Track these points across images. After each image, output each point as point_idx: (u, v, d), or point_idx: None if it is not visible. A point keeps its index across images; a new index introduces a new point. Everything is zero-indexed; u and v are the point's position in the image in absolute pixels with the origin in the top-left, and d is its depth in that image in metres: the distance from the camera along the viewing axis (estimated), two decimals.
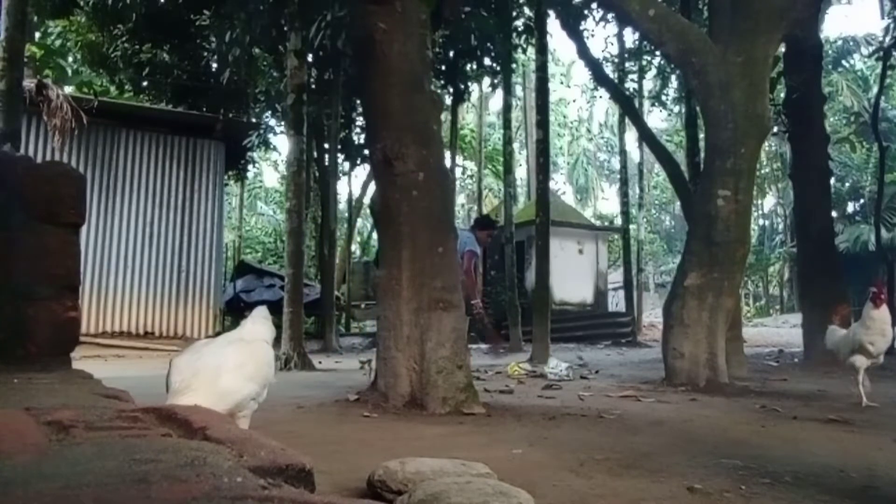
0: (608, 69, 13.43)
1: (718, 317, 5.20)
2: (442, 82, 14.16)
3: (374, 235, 15.49)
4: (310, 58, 11.19)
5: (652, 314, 21.62)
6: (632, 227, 19.37)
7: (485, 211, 20.34)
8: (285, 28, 9.12)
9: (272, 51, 12.67)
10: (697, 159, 8.89)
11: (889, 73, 14.83)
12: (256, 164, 26.36)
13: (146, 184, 10.92)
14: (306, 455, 1.13)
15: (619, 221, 21.10)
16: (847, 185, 28.59)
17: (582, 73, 44.23)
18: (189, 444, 1.16)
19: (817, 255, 8.71)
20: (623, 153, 18.04)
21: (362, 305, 18.28)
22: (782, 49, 8.39)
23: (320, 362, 7.81)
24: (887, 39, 12.30)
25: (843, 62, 28.54)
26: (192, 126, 11.56)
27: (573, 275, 17.99)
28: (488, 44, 13.54)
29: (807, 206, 8.92)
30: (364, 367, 5.67)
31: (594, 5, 11.19)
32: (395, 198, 3.94)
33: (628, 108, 11.03)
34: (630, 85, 16.04)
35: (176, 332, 10.65)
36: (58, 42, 15.16)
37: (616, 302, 23.65)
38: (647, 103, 18.63)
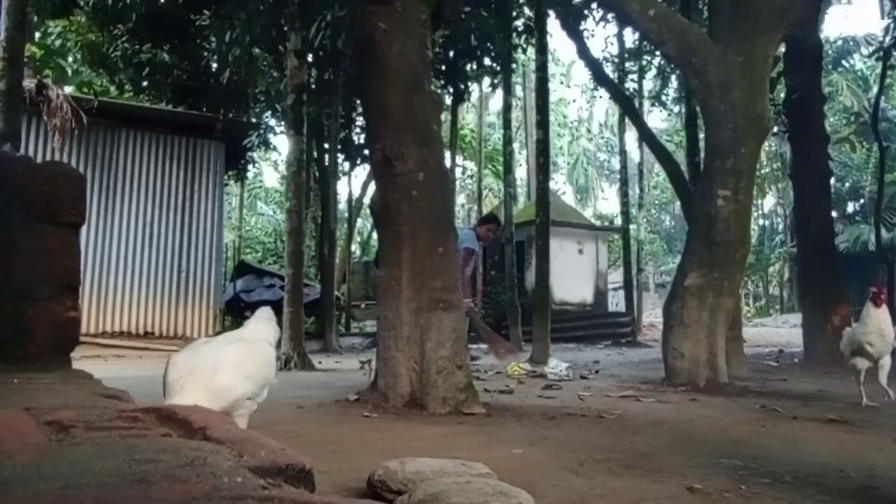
0: (608, 69, 13.43)
1: (718, 317, 5.20)
2: (442, 82, 14.16)
3: (374, 235, 15.50)
4: (310, 58, 11.19)
5: (652, 314, 21.62)
6: (632, 227, 19.37)
7: (485, 211, 20.35)
8: (285, 28, 9.11)
9: (272, 51, 12.67)
10: (697, 159, 8.88)
11: (889, 73, 14.84)
12: (256, 164, 26.37)
13: (146, 184, 10.92)
14: (306, 455, 1.13)
15: (619, 221, 21.10)
16: (847, 185, 28.59)
17: (582, 73, 44.24)
18: (189, 444, 1.16)
19: (817, 255, 8.71)
20: (623, 153, 18.04)
21: (362, 305, 18.28)
22: (782, 49, 8.38)
23: (320, 362, 7.81)
24: (887, 39, 12.31)
25: (843, 62, 28.54)
26: (192, 126, 11.56)
27: (573, 275, 17.99)
28: (488, 44, 13.54)
29: (807, 206, 8.92)
30: (364, 367, 5.67)
31: (594, 5, 11.19)
32: (395, 198, 3.94)
33: (628, 108, 11.03)
34: (630, 85, 16.05)
35: (176, 332, 10.65)
36: (58, 42, 15.16)
37: (616, 302, 23.65)
38: (647, 103, 18.63)
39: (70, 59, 16.14)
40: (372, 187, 6.57)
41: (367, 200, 15.71)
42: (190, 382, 1.83)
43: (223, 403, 1.85)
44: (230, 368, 1.92)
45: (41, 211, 2.63)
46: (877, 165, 15.95)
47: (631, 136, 17.58)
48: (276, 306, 8.11)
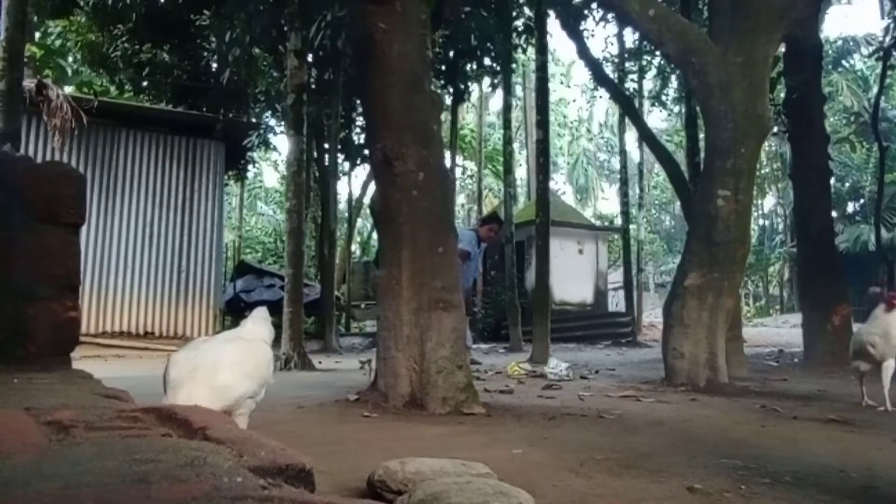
0: (608, 69, 13.43)
1: (718, 317, 5.20)
2: (442, 82, 14.16)
3: (374, 235, 15.49)
4: (310, 58, 11.19)
5: (652, 314, 21.63)
6: (632, 227, 19.37)
7: (485, 211, 20.36)
8: (285, 28, 9.11)
9: (272, 51, 12.67)
10: (697, 159, 8.88)
11: (889, 73, 14.84)
12: (256, 164, 26.38)
13: (146, 184, 10.92)
14: (306, 455, 1.13)
15: (619, 221, 21.10)
16: (847, 185, 28.61)
17: (582, 73, 44.26)
18: (189, 444, 1.16)
19: (817, 255, 8.70)
20: (623, 153, 18.04)
21: (362, 305, 18.29)
22: (782, 49, 8.38)
23: (320, 362, 7.81)
24: (887, 39, 12.31)
25: (843, 62, 28.56)
26: (192, 126, 11.55)
27: (573, 275, 17.99)
28: (488, 44, 13.53)
29: (807, 206, 8.92)
30: (364, 367, 5.67)
31: (594, 5, 11.19)
32: (395, 198, 3.93)
33: (628, 108, 11.03)
34: (630, 85, 16.04)
35: (176, 332, 10.65)
36: (58, 42, 15.15)
37: (616, 302, 23.65)
38: (647, 103, 18.63)
39: (70, 59, 16.14)
40: (372, 187, 6.57)
41: (367, 200, 15.71)
42: (191, 380, 1.83)
43: (224, 402, 1.85)
44: (230, 367, 1.93)
45: (41, 211, 2.63)
46: (877, 165, 15.95)
47: (631, 136, 17.59)
48: (276, 306, 8.17)
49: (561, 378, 6.01)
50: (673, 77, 13.50)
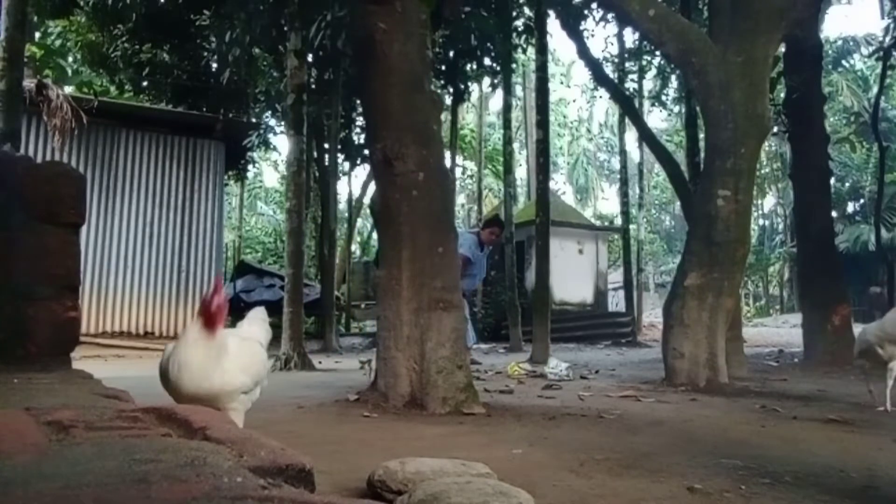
0: (608, 69, 13.43)
1: (718, 317, 5.20)
2: (442, 82, 14.16)
3: (374, 235, 15.50)
4: (310, 58, 11.19)
5: (652, 314, 21.63)
6: (632, 227, 19.37)
7: (485, 211, 20.35)
8: (285, 28, 9.11)
9: (272, 51, 12.67)
10: (697, 159, 8.88)
11: (889, 73, 14.83)
12: (256, 164, 26.39)
13: (146, 184, 10.92)
14: (306, 455, 1.13)
15: (619, 221, 21.10)
16: (847, 185, 28.63)
17: (582, 73, 44.31)
18: (189, 444, 1.16)
19: (817, 255, 8.70)
20: (623, 153, 18.04)
21: (362, 305, 18.29)
22: (782, 49, 8.38)
23: (320, 362, 7.82)
24: (887, 39, 12.31)
25: (843, 62, 28.57)
26: (192, 126, 11.55)
27: (573, 275, 18.00)
28: (488, 44, 13.53)
29: (807, 206, 8.92)
30: (364, 367, 5.67)
31: (594, 5, 11.19)
32: (395, 198, 3.93)
33: (628, 108, 11.03)
34: (630, 85, 16.05)
35: (176, 332, 10.64)
36: (58, 42, 15.16)
37: (616, 302, 23.66)
38: (647, 103, 18.63)
39: (70, 59, 16.14)
40: (372, 187, 6.57)
41: (367, 200, 15.72)
42: (189, 369, 1.85)
43: (220, 392, 1.87)
44: (229, 358, 1.94)
45: (41, 211, 2.63)
46: (877, 165, 15.95)
47: (631, 136, 17.59)
48: (276, 306, 8.16)
49: (561, 378, 6.01)
50: (673, 77, 13.49)
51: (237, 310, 14.30)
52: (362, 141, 14.96)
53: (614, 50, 15.22)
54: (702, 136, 8.26)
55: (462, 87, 15.15)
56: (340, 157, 14.89)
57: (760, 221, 33.55)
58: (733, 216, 5.20)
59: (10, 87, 5.63)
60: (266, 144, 17.30)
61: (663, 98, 14.83)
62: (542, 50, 9.69)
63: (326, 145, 13.82)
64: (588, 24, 11.79)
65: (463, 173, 28.23)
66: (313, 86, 12.74)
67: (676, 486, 2.04)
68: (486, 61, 14.46)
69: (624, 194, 17.93)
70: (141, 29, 12.86)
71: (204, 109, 13.52)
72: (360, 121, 14.80)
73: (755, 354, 9.91)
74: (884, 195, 14.62)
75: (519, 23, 12.63)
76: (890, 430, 3.27)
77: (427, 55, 4.30)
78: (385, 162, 3.93)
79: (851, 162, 28.14)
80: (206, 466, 0.99)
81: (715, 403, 4.27)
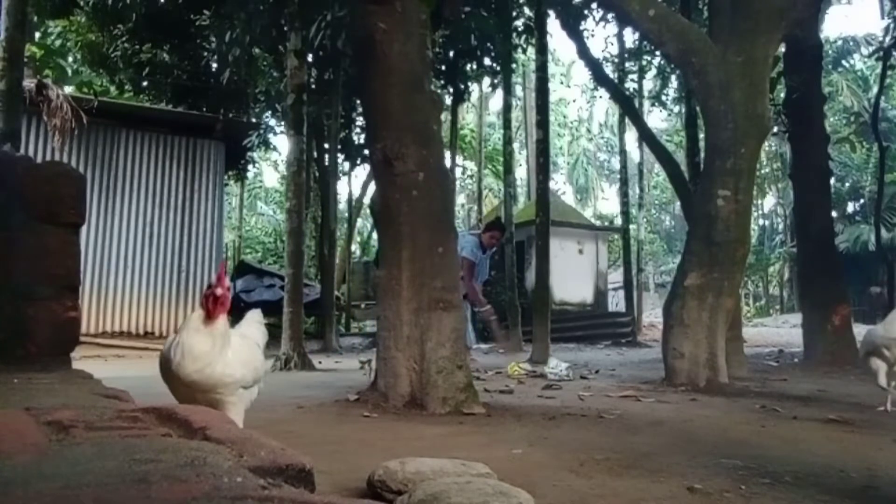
0: (608, 69, 13.43)
1: (718, 317, 5.19)
2: (442, 82, 14.16)
3: (374, 235, 15.49)
4: (310, 58, 11.19)
5: (652, 314, 21.62)
6: (632, 227, 19.37)
7: (485, 211, 20.36)
8: (285, 28, 9.11)
9: (272, 51, 12.67)
10: (697, 159, 8.88)
11: (889, 73, 14.83)
12: (256, 164, 26.39)
13: (146, 184, 10.92)
14: (306, 455, 1.13)
15: (619, 221, 21.10)
16: (847, 185, 28.64)
17: (582, 73, 44.26)
18: (189, 444, 1.16)
19: (817, 255, 8.70)
20: (623, 153, 18.04)
21: (362, 305, 18.28)
22: (782, 49, 8.38)
23: (320, 362, 7.81)
24: (887, 39, 12.30)
25: (843, 62, 28.58)
26: (192, 126, 11.55)
27: (573, 275, 18.00)
28: (488, 44, 13.53)
29: (807, 206, 8.91)
30: (364, 367, 5.66)
31: (594, 5, 11.18)
32: (395, 198, 3.93)
33: (628, 108, 11.03)
34: (630, 85, 16.04)
35: (176, 332, 10.64)
36: (58, 42, 15.16)
37: (616, 302, 23.66)
38: (647, 103, 18.63)
39: (70, 59, 16.14)
40: (372, 187, 6.57)
41: (367, 200, 15.71)
42: (192, 355, 1.86)
43: (220, 381, 1.88)
44: (231, 350, 1.96)
45: (41, 211, 2.63)
46: (877, 165, 15.95)
47: (631, 136, 17.58)
48: (276, 306, 8.15)
49: (561, 378, 6.00)
50: (673, 77, 13.49)
51: (237, 310, 14.29)
52: (362, 141, 14.96)
53: (614, 50, 15.24)
54: (702, 136, 8.25)
55: (462, 87, 15.14)
56: (340, 157, 14.89)
57: (760, 221, 33.56)
58: (733, 216, 5.20)
59: (10, 87, 5.63)
60: (266, 144, 17.29)
61: (663, 98, 14.83)
62: (542, 50, 9.69)
63: (326, 145, 13.82)
64: (588, 24, 11.80)
65: (463, 173, 28.23)
66: (313, 86, 12.74)
67: (676, 486, 2.04)
68: (486, 61, 14.46)
69: (624, 194, 17.92)
70: (141, 29, 12.86)
71: (204, 109, 13.52)
72: (360, 121, 14.79)
73: (755, 354, 9.90)
74: (884, 195, 14.62)
75: (519, 23, 12.63)
76: (890, 430, 3.27)
77: (427, 55, 4.30)
78: (385, 162, 3.93)
79: (851, 162, 28.15)
80: (206, 466, 0.99)
81: (715, 403, 4.27)
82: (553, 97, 28.91)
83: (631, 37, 14.41)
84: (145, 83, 14.46)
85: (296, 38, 8.19)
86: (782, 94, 9.44)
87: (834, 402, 4.36)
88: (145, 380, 3.79)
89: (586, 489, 2.00)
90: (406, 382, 3.76)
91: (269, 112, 15.60)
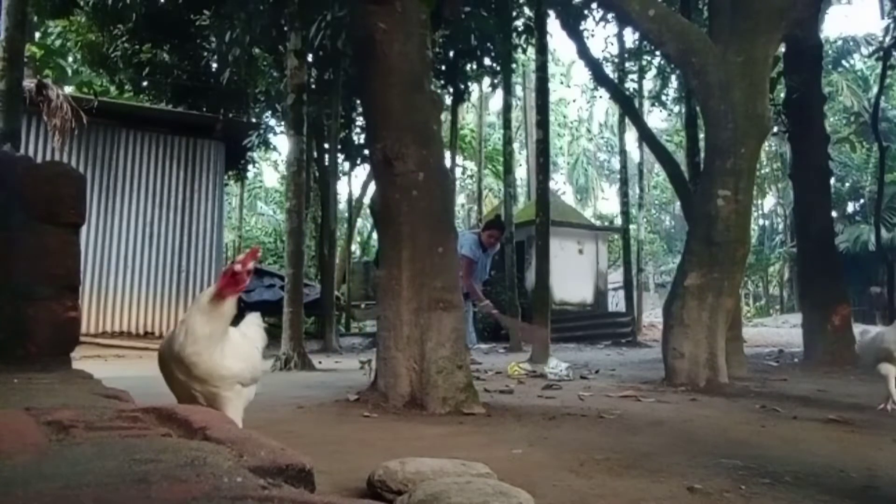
0: (608, 69, 13.43)
1: (718, 317, 5.19)
2: (442, 82, 14.16)
3: (374, 235, 15.49)
4: (310, 58, 11.19)
5: (652, 314, 21.63)
6: (632, 227, 19.38)
7: (485, 211, 20.36)
8: (285, 28, 9.11)
9: (272, 51, 12.67)
10: (697, 159, 8.88)
11: (889, 73, 14.83)
12: (256, 164, 26.39)
13: (146, 184, 10.93)
14: (306, 455, 1.13)
15: (619, 221, 21.11)
16: (847, 185, 28.64)
17: (582, 73, 44.29)
18: (189, 444, 1.16)
19: (817, 255, 8.70)
20: (623, 153, 18.04)
21: (362, 305, 18.28)
22: (782, 49, 8.38)
23: (320, 362, 7.81)
24: (887, 39, 12.31)
25: (843, 62, 28.58)
26: (192, 126, 11.56)
27: (573, 275, 18.00)
28: (488, 44, 13.54)
29: (807, 206, 8.91)
30: (364, 367, 5.66)
31: (594, 5, 11.18)
32: (395, 198, 3.93)
33: (628, 108, 11.03)
34: (630, 85, 16.05)
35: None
36: (58, 42, 15.16)
37: (616, 302, 23.67)
38: (647, 103, 18.64)
39: (70, 59, 16.14)
40: (372, 187, 6.57)
41: (367, 200, 15.70)
42: (194, 337, 1.87)
43: (218, 370, 1.88)
44: (232, 343, 1.97)
45: (41, 211, 2.63)
46: (877, 165, 15.95)
47: (631, 136, 17.59)
48: (277, 306, 8.14)
49: (561, 378, 6.00)
50: (673, 77, 13.49)
51: (237, 310, 14.31)
52: (362, 141, 14.96)
53: (614, 50, 15.25)
54: (702, 136, 8.25)
55: (462, 87, 15.15)
56: (340, 157, 14.89)
57: (760, 221, 33.57)
58: (733, 216, 5.20)
59: (10, 87, 5.63)
60: (266, 144, 17.29)
61: (663, 98, 14.83)
62: (542, 50, 9.68)
63: (326, 145, 13.81)
64: (588, 24, 11.79)
65: (463, 173, 28.24)
66: (313, 86, 12.74)
67: (676, 486, 2.04)
68: (486, 61, 14.47)
69: (624, 194, 17.93)
70: (141, 29, 12.86)
71: (204, 109, 13.52)
72: (360, 121, 14.80)
73: (755, 354, 9.90)
74: (884, 195, 14.62)
75: (519, 23, 12.63)
76: (890, 430, 3.26)
77: (427, 55, 4.30)
78: (385, 162, 3.93)
79: (851, 162, 28.15)
80: (206, 466, 0.99)
81: (715, 403, 4.27)
82: (553, 97, 28.93)
83: (631, 37, 14.43)
84: (145, 83, 14.47)
85: (296, 38, 8.19)
86: (782, 94, 9.44)
87: (834, 402, 4.36)
88: (145, 380, 3.79)
89: (586, 489, 2.00)
90: (406, 382, 3.76)
91: (269, 112, 15.60)
